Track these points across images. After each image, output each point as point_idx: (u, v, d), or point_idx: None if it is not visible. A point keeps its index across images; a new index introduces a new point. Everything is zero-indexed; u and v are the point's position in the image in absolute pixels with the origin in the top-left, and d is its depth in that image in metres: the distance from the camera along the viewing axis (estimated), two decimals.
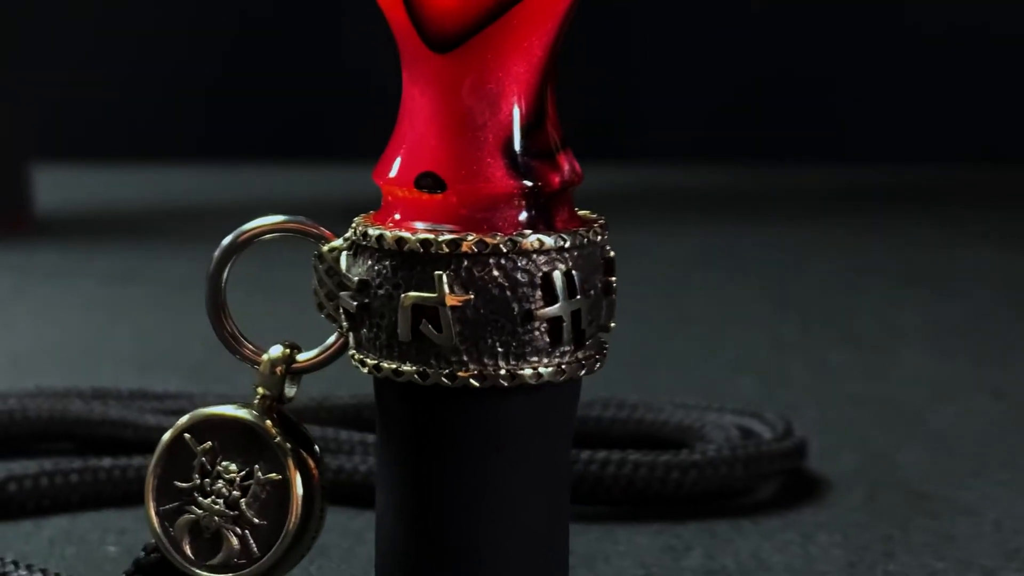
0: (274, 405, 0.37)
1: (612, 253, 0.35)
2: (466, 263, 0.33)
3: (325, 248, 0.36)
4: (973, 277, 0.88)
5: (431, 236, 0.34)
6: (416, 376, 0.34)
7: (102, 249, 0.95)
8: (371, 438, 0.52)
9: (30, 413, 0.53)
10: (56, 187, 1.10)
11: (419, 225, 0.34)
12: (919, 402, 0.62)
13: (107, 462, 0.49)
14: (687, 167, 1.23)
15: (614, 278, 0.35)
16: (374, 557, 0.37)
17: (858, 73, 1.25)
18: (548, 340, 0.34)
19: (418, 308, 0.34)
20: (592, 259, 0.35)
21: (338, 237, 0.37)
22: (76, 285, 0.84)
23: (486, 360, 0.34)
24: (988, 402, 0.63)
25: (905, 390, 0.64)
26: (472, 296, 0.33)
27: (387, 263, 0.34)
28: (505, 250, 0.33)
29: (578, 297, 0.34)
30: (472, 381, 0.33)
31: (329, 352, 0.37)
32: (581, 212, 0.36)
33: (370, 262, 0.35)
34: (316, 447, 0.37)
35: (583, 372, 0.35)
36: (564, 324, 0.34)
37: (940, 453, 0.56)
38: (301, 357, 0.37)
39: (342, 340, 0.37)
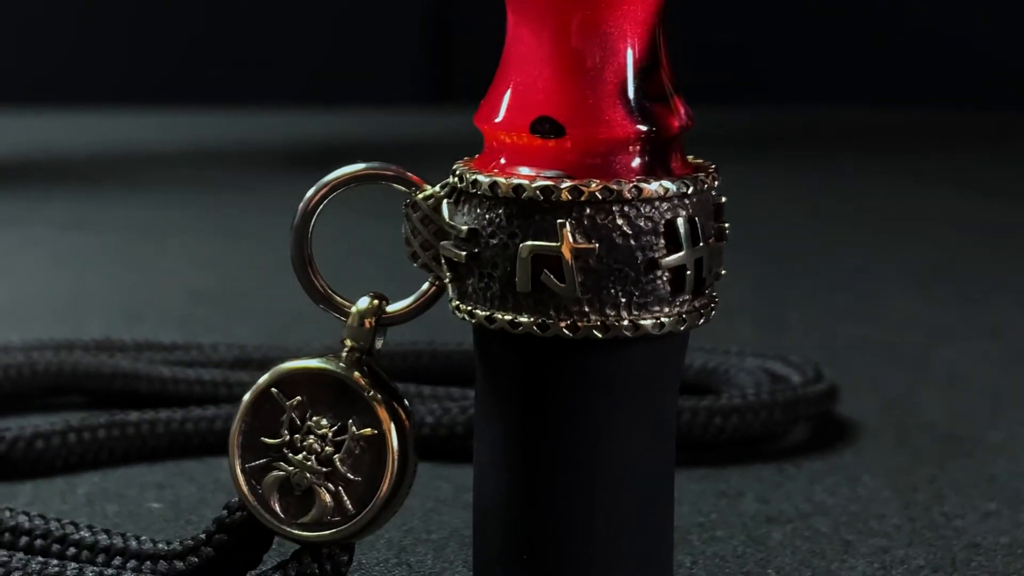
0: (363, 358, 0.36)
1: (723, 199, 0.34)
2: (588, 211, 0.32)
3: (420, 196, 0.35)
4: (937, 220, 0.89)
5: (551, 183, 0.32)
6: (535, 328, 0.33)
7: (53, 197, 0.92)
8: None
9: (38, 367, 0.51)
10: None
11: (526, 171, 0.33)
12: (921, 344, 0.63)
13: (134, 416, 0.47)
14: None
15: (727, 224, 0.34)
16: (472, 513, 0.36)
17: (797, 14, 1.25)
18: (670, 289, 0.33)
19: (538, 258, 0.32)
20: (707, 205, 0.34)
21: (428, 184, 0.35)
22: (35, 234, 0.81)
23: (608, 311, 0.33)
24: (987, 342, 0.63)
25: (904, 332, 0.64)
26: (596, 245, 0.32)
27: (500, 211, 0.33)
28: (630, 197, 0.32)
29: (700, 244, 0.33)
30: (595, 332, 0.33)
31: (421, 302, 0.36)
32: (688, 157, 0.35)
33: (480, 210, 0.33)
34: (406, 400, 0.36)
35: (701, 321, 0.34)
36: (688, 272, 0.33)
37: (955, 394, 0.56)
38: (390, 308, 0.36)
39: (434, 290, 0.36)
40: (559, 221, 0.32)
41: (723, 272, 0.35)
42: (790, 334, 0.65)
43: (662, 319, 0.33)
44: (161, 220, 0.85)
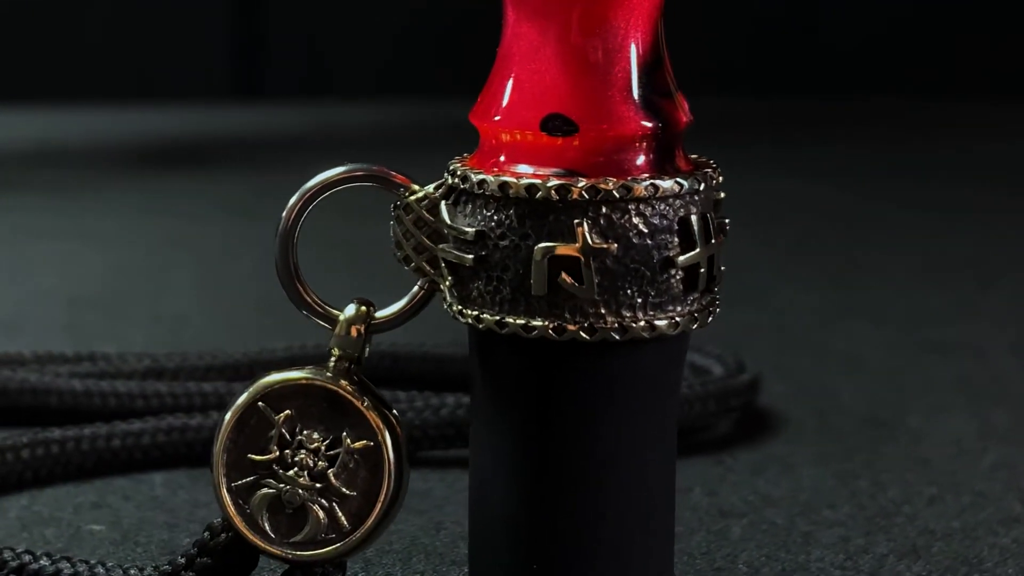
0: (352, 368, 0.35)
1: (722, 195, 0.34)
2: (604, 209, 0.32)
3: (413, 197, 0.34)
4: (787, 205, 0.90)
5: (566, 182, 0.32)
6: (551, 331, 0.32)
7: None
8: None
9: None
10: None
11: (526, 168, 0.32)
12: (811, 328, 0.63)
13: (58, 433, 0.45)
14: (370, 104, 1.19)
15: (727, 219, 0.34)
16: (469, 523, 0.35)
17: None
18: (682, 288, 0.32)
19: (554, 259, 0.32)
20: (711, 202, 0.33)
21: (415, 183, 0.34)
22: None
23: (624, 312, 0.32)
24: (869, 324, 0.64)
25: (791, 317, 0.65)
26: (614, 245, 0.32)
27: (511, 212, 0.32)
28: (646, 195, 0.32)
29: (712, 241, 0.33)
30: (612, 334, 0.32)
31: (411, 306, 0.35)
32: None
33: (487, 211, 0.32)
34: (394, 410, 0.35)
35: (709, 319, 0.33)
36: (701, 270, 0.32)
37: (858, 378, 0.57)
38: (379, 314, 0.35)
39: (423, 293, 0.35)
40: (575, 221, 0.31)
41: (723, 268, 0.34)
42: None
43: (676, 319, 0.32)
44: (19, 224, 0.80)
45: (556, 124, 0.32)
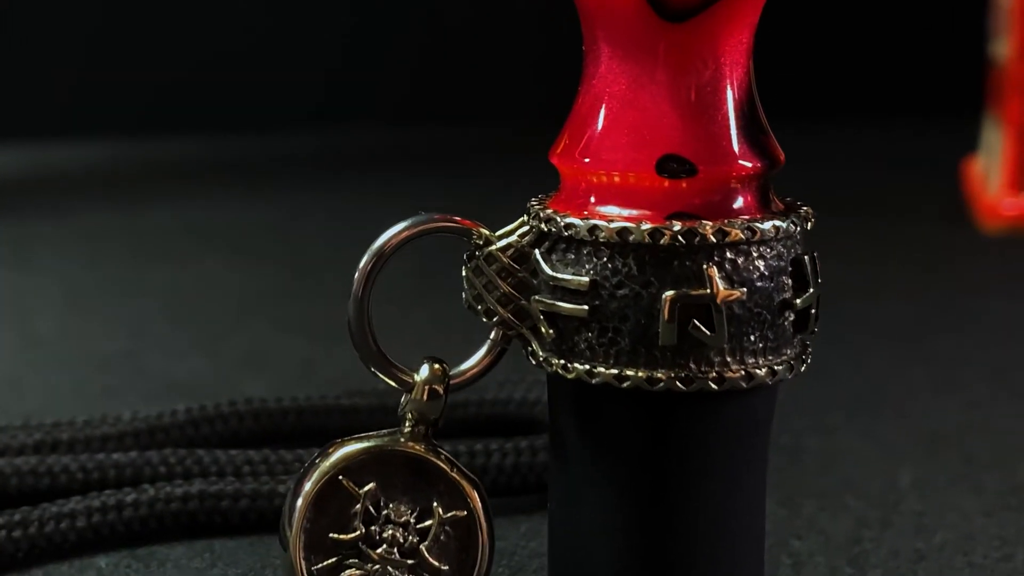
0: (429, 432, 0.32)
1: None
2: (730, 254, 0.30)
3: (494, 247, 0.32)
4: None
5: (692, 226, 0.30)
6: (679, 383, 0.30)
7: None
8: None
9: None
10: None
11: (614, 210, 0.31)
12: None
13: (17, 516, 0.40)
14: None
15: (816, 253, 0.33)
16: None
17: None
18: (792, 330, 0.32)
19: (685, 307, 0.30)
20: (809, 241, 0.33)
21: (483, 227, 0.32)
22: None
23: (747, 358, 0.31)
24: None
25: None
26: (743, 290, 0.30)
27: (629, 259, 0.30)
28: (768, 237, 0.31)
29: (820, 281, 0.32)
30: (740, 382, 0.31)
31: (488, 361, 0.33)
32: None
33: (600, 258, 0.31)
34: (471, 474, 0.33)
35: (809, 360, 0.33)
36: (812, 311, 0.32)
37: None
38: (454, 371, 0.33)
39: (498, 348, 0.33)
40: (704, 265, 0.30)
41: None
42: None
43: (790, 362, 0.32)
44: None
45: (673, 166, 0.30)
